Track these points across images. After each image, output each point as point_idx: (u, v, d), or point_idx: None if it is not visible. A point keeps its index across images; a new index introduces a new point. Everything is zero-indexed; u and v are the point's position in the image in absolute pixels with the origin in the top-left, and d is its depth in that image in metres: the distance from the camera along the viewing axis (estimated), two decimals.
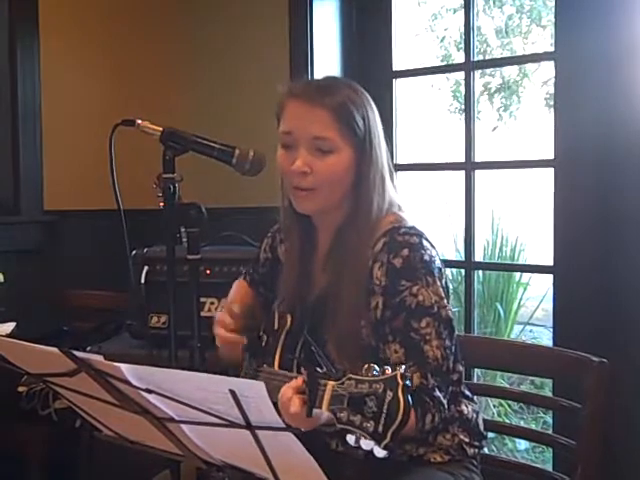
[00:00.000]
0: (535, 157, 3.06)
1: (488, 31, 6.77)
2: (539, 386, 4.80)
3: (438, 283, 1.72)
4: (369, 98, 1.81)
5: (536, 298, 5.31)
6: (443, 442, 1.81)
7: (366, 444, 1.26)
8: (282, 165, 1.78)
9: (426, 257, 1.72)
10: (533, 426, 4.51)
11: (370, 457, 1.26)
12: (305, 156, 1.73)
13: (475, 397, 1.96)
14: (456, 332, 1.76)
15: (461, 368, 1.86)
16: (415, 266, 1.71)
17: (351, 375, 1.30)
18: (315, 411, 1.34)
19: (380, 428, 1.24)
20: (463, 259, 3.11)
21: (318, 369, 1.41)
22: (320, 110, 1.72)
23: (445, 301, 1.72)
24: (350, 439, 1.27)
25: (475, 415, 1.88)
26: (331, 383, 1.32)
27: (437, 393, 1.66)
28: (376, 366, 1.29)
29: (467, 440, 1.84)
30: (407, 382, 1.25)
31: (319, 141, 1.73)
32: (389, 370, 1.27)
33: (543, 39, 6.61)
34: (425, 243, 1.74)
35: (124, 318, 2.91)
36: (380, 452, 1.26)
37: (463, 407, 1.86)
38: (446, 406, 1.68)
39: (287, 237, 1.97)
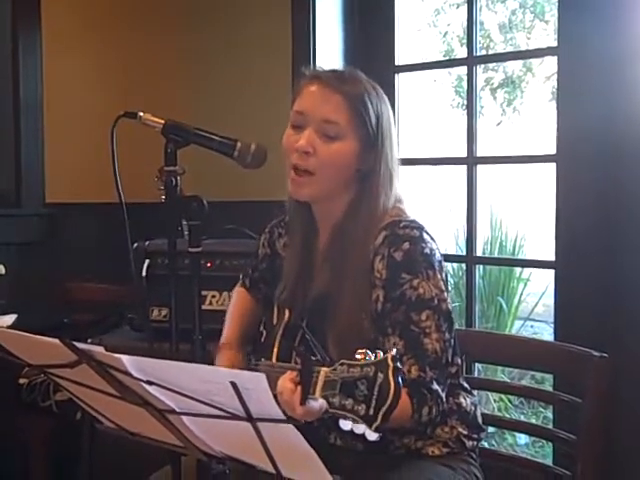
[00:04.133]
0: (538, 152, 3.06)
1: (491, 26, 6.75)
2: (540, 381, 4.80)
3: (438, 276, 1.73)
4: (385, 97, 1.83)
5: (536, 294, 5.31)
6: (441, 435, 1.82)
7: (358, 428, 1.26)
8: (287, 143, 1.79)
9: (427, 250, 1.73)
10: (533, 421, 4.51)
11: (368, 450, 1.26)
12: (311, 136, 1.75)
13: (475, 391, 1.97)
14: (455, 325, 1.76)
15: (459, 361, 1.88)
16: (416, 259, 1.71)
17: (344, 360, 1.31)
18: (311, 402, 1.34)
19: (371, 410, 1.24)
20: (464, 254, 3.11)
21: (313, 357, 1.41)
22: (336, 95, 1.74)
23: (445, 294, 1.73)
24: (343, 424, 1.28)
25: (473, 408, 1.88)
26: (324, 370, 1.33)
27: (435, 386, 1.66)
28: (369, 351, 1.30)
29: (465, 432, 1.84)
30: (398, 364, 1.26)
31: (327, 125, 1.74)
32: (381, 354, 1.28)
33: (546, 34, 6.59)
34: (425, 236, 1.75)
35: (125, 311, 2.92)
36: (371, 435, 1.26)
37: (461, 399, 1.86)
38: (444, 399, 1.69)
39: (290, 229, 1.97)
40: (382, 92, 1.83)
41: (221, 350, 1.98)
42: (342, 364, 1.31)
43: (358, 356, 1.30)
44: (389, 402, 1.24)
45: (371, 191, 1.79)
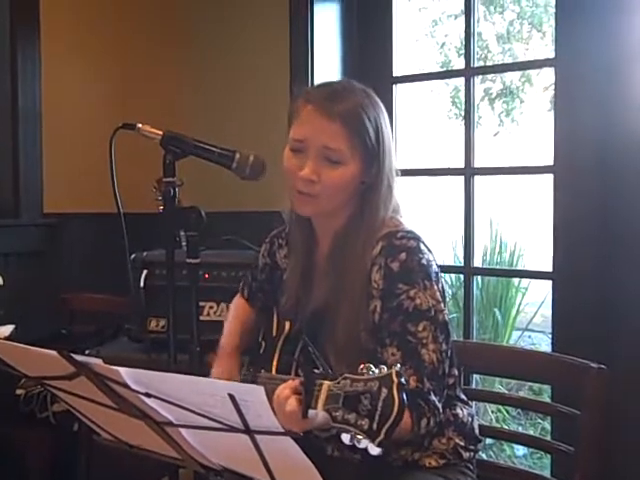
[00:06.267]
0: (535, 163, 3.06)
1: (489, 36, 6.78)
2: (538, 392, 4.80)
3: (435, 287, 1.73)
4: (380, 104, 1.82)
5: (534, 304, 5.32)
6: (438, 446, 1.81)
7: (360, 442, 1.26)
8: (289, 168, 1.78)
9: (423, 261, 1.73)
10: (531, 432, 4.51)
11: (365, 462, 1.26)
12: (314, 164, 1.74)
13: (473, 402, 1.96)
14: (452, 336, 1.76)
15: (456, 372, 1.87)
16: (412, 270, 1.71)
17: (347, 374, 1.31)
18: (310, 412, 1.34)
19: (374, 425, 1.24)
20: (462, 264, 3.11)
21: (315, 370, 1.41)
22: (333, 120, 1.72)
23: (442, 305, 1.73)
24: (345, 438, 1.28)
25: (470, 419, 1.88)
26: (327, 383, 1.32)
27: (432, 397, 1.66)
28: (372, 366, 1.29)
29: (462, 444, 1.84)
30: (402, 380, 1.26)
31: (329, 151, 1.73)
32: (384, 369, 1.28)
33: (544, 45, 6.61)
34: (422, 247, 1.75)
35: (123, 322, 2.91)
36: (374, 450, 1.26)
37: (458, 411, 1.86)
38: (441, 410, 1.68)
39: (290, 241, 1.97)
40: (377, 99, 1.81)
41: (218, 358, 1.98)
42: (345, 378, 1.30)
43: (363, 370, 1.29)
44: (393, 418, 1.24)
45: (372, 203, 1.79)
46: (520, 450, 4.43)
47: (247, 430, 1.25)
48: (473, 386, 2.81)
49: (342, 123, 1.73)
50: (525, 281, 5.31)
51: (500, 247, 5.54)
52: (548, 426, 3.98)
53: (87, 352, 2.71)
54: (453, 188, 3.29)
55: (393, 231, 1.77)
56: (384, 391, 1.25)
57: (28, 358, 1.41)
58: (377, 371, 1.28)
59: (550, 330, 2.81)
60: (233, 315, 2.11)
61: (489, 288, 5.34)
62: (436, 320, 1.71)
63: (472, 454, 1.87)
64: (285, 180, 1.81)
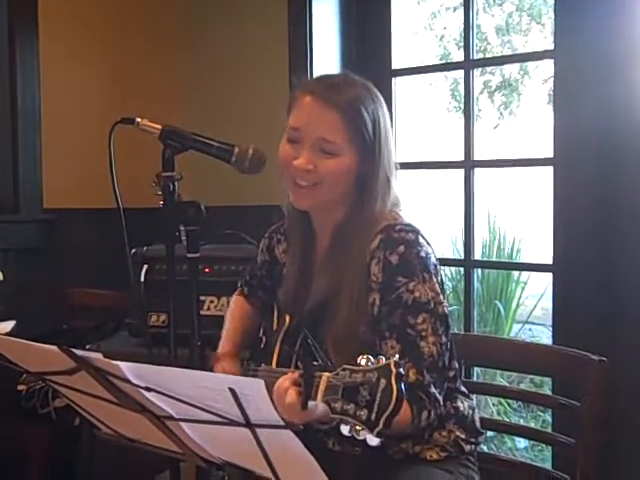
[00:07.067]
0: (535, 155, 3.06)
1: (488, 29, 6.75)
2: (539, 384, 4.80)
3: (434, 279, 1.73)
4: (380, 97, 1.81)
5: (534, 297, 5.31)
6: (439, 439, 1.81)
7: (359, 433, 1.26)
8: (285, 158, 1.78)
9: (422, 253, 1.73)
10: (532, 424, 4.51)
11: (366, 455, 1.26)
12: (309, 154, 1.74)
13: (473, 395, 1.96)
14: (451, 329, 1.76)
15: (457, 365, 1.87)
16: (411, 262, 1.71)
17: (346, 366, 1.31)
18: (310, 404, 1.35)
19: (373, 415, 1.25)
20: (462, 257, 3.11)
21: (315, 362, 1.41)
22: (331, 112, 1.73)
23: (441, 297, 1.73)
24: (344, 429, 1.28)
25: (471, 411, 1.88)
26: (326, 374, 1.33)
27: (433, 389, 1.66)
28: (371, 357, 1.30)
29: (463, 436, 1.84)
30: (400, 370, 1.26)
31: (325, 143, 1.73)
32: (383, 359, 1.28)
33: (544, 37, 6.60)
34: (421, 240, 1.75)
35: (123, 317, 2.91)
36: (373, 440, 1.27)
37: (459, 403, 1.86)
38: (442, 402, 1.69)
39: (289, 236, 1.97)
40: (376, 92, 1.81)
41: (217, 361, 1.98)
42: (344, 369, 1.31)
43: (362, 361, 1.30)
44: (391, 407, 1.25)
45: (370, 196, 1.79)
46: (521, 442, 4.44)
47: (248, 424, 1.25)
48: (474, 379, 2.81)
49: (340, 114, 1.72)
50: (525, 274, 5.30)
51: (500, 240, 5.54)
52: (549, 418, 3.98)
53: (88, 347, 2.71)
54: (453, 181, 3.29)
55: (392, 224, 1.77)
56: (383, 381, 1.26)
57: (29, 353, 1.41)
58: (376, 362, 1.28)
59: (551, 323, 2.82)
60: (231, 316, 2.11)
61: (489, 281, 5.34)
62: (435, 312, 1.70)
63: (473, 447, 1.87)
64: (282, 172, 1.81)
